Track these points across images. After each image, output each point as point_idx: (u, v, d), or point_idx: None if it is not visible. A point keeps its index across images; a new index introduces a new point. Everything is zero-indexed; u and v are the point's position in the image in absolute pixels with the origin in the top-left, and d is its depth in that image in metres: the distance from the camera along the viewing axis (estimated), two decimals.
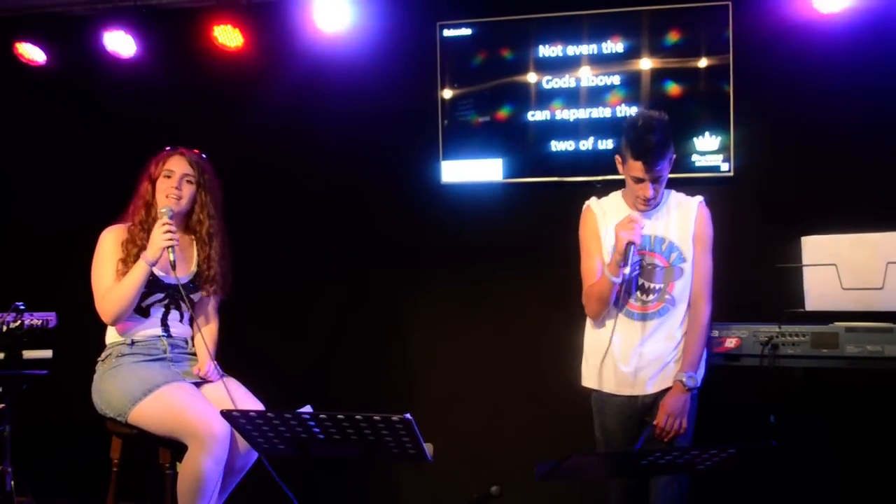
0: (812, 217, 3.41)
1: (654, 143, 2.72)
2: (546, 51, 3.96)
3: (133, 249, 2.91)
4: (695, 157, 3.78)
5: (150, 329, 2.99)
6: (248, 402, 2.89)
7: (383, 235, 4.19)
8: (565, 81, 3.95)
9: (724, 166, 3.76)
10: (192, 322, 3.09)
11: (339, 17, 4.03)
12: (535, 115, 3.98)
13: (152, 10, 4.31)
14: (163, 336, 3.00)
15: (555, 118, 3.96)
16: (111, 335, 3.01)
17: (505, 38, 4.01)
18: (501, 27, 4.02)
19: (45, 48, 4.39)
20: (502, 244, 4.01)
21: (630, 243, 2.72)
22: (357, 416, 2.05)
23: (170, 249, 2.83)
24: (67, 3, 4.41)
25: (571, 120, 3.95)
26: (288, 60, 4.20)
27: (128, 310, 2.90)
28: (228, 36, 4.15)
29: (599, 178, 3.80)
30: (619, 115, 3.87)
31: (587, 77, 3.93)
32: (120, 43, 4.26)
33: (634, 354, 2.85)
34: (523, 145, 4.00)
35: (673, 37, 3.83)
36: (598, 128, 3.90)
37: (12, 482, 3.50)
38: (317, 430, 2.12)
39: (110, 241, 2.96)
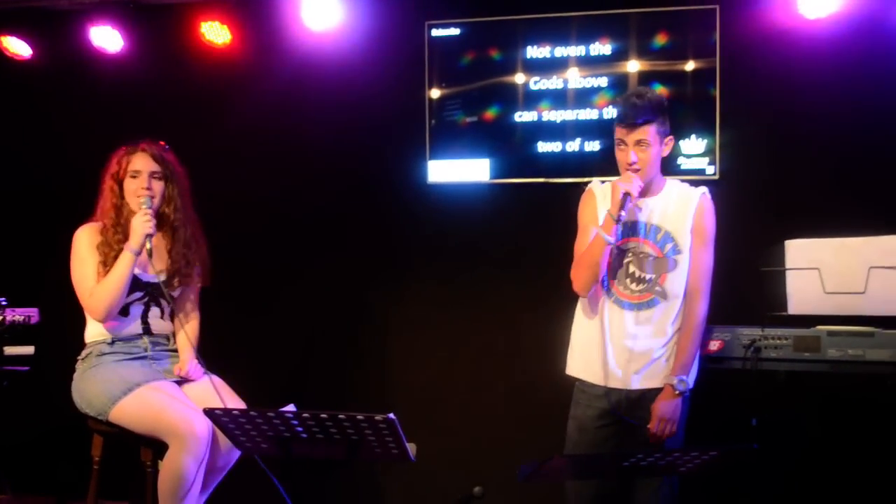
0: (796, 221, 3.43)
1: (635, 104, 2.70)
2: (534, 52, 3.97)
3: (110, 253, 2.88)
4: (680, 160, 3.80)
5: (130, 327, 2.97)
6: (231, 400, 2.87)
7: (369, 234, 4.18)
8: (553, 83, 3.96)
9: (710, 169, 3.78)
10: (173, 317, 3.07)
11: (327, 15, 4.02)
12: (523, 116, 3.99)
13: (139, 6, 4.28)
14: (143, 334, 2.98)
15: (542, 119, 3.97)
16: (91, 333, 2.99)
17: (493, 38, 4.01)
18: (490, 27, 4.03)
19: (31, 42, 4.36)
20: (488, 244, 4.01)
21: (627, 194, 2.66)
22: (340, 416, 2.05)
23: (147, 238, 2.81)
24: None
25: (558, 121, 3.95)
26: (275, 58, 4.19)
27: (118, 303, 2.87)
28: (216, 32, 4.14)
29: (586, 179, 3.75)
30: (606, 116, 3.88)
31: (575, 78, 3.94)
32: (106, 38, 4.24)
33: (621, 346, 2.79)
34: (510, 146, 4.00)
35: (660, 39, 3.84)
36: (585, 129, 3.91)
37: None
38: (300, 429, 2.12)
39: (86, 240, 2.94)
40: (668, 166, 3.73)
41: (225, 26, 4.14)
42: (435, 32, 4.05)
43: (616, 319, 2.80)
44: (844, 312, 2.96)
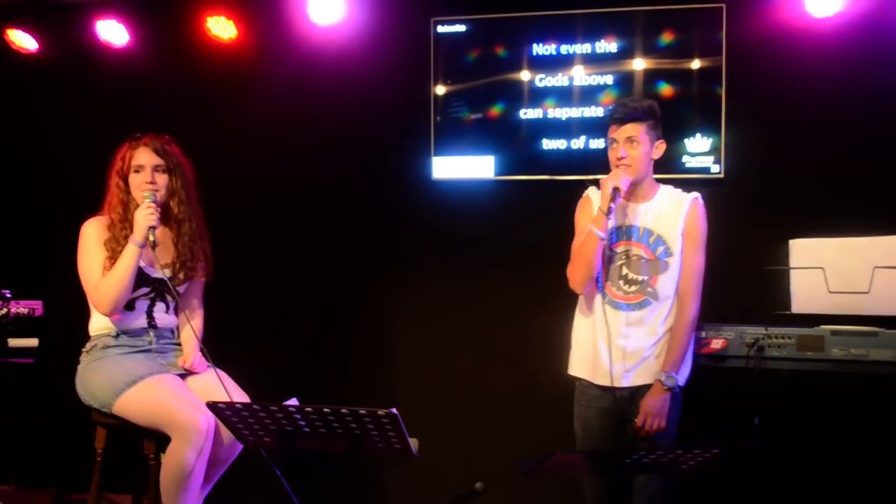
0: (800, 220, 3.43)
1: (626, 104, 2.85)
2: (540, 49, 3.96)
3: (118, 248, 2.88)
4: (685, 159, 3.79)
5: (135, 321, 2.97)
6: (234, 393, 2.88)
7: (373, 229, 4.18)
8: (558, 80, 3.96)
9: (715, 168, 3.77)
10: (178, 312, 3.07)
11: (332, 10, 4.03)
12: (528, 113, 3.99)
13: None
14: (148, 328, 2.99)
15: (547, 116, 3.97)
16: (96, 326, 2.99)
17: (499, 35, 4.01)
18: (496, 24, 4.02)
19: (37, 36, 4.37)
20: (492, 241, 4.01)
21: (615, 188, 2.75)
22: (343, 410, 2.05)
23: (151, 230, 2.81)
24: None
25: (564, 119, 3.95)
26: (280, 53, 4.19)
27: (124, 297, 2.87)
28: (221, 27, 4.14)
29: (590, 176, 3.77)
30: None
31: (580, 76, 3.94)
32: (112, 32, 4.24)
33: (614, 345, 2.85)
34: (515, 143, 4.00)
35: (666, 38, 3.84)
36: (590, 127, 3.90)
37: None
38: (302, 422, 2.12)
39: (93, 234, 2.93)
40: (674, 165, 3.76)
41: (231, 21, 4.14)
42: (441, 29, 4.05)
43: (610, 319, 2.86)
44: (848, 312, 2.96)
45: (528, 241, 3.92)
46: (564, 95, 3.95)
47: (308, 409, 2.08)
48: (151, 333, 2.99)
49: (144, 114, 4.12)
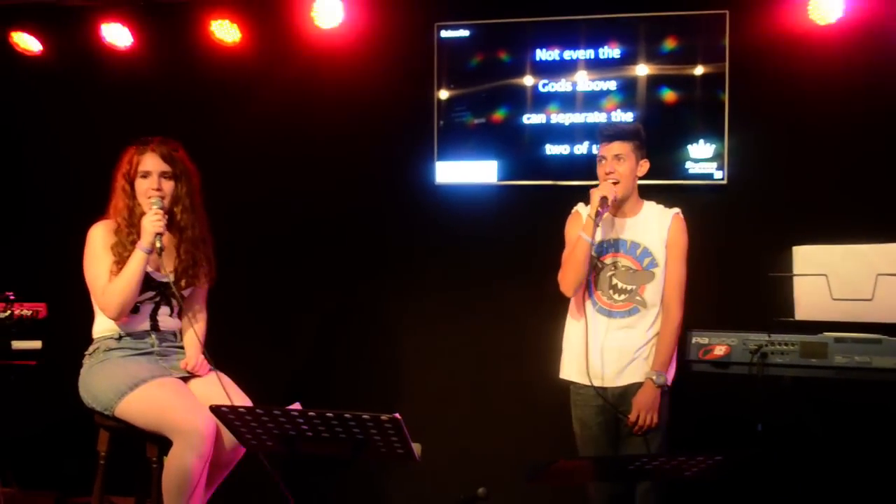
0: (804, 227, 3.43)
1: (614, 124, 3.17)
2: (543, 54, 3.97)
3: (124, 252, 2.88)
4: (689, 165, 3.80)
5: (138, 324, 2.97)
6: (237, 397, 2.88)
7: (376, 234, 4.19)
8: (561, 85, 3.96)
9: (718, 174, 3.77)
10: (181, 316, 3.08)
11: (336, 15, 4.04)
12: (531, 119, 3.99)
13: (149, 3, 4.30)
14: (151, 331, 2.99)
15: (550, 122, 3.97)
16: (99, 328, 2.99)
17: (502, 40, 4.02)
18: (499, 29, 4.03)
19: (41, 38, 4.38)
20: (495, 246, 4.01)
21: (604, 197, 2.94)
22: (346, 415, 2.05)
23: (158, 237, 2.82)
24: None
25: (567, 124, 3.96)
26: (284, 56, 4.20)
27: (131, 301, 2.87)
28: (226, 31, 4.15)
29: (593, 182, 3.77)
30: (614, 120, 3.88)
31: (583, 81, 3.94)
32: (116, 34, 4.25)
33: (605, 349, 3.02)
34: (518, 148, 4.00)
35: (670, 44, 3.84)
36: (594, 132, 3.87)
37: None
38: (305, 427, 2.12)
39: (100, 238, 2.93)
40: (677, 171, 3.77)
41: (234, 24, 4.15)
42: (444, 34, 4.05)
43: (601, 325, 3.04)
44: (851, 319, 2.96)
45: (530, 246, 3.92)
46: (567, 101, 3.96)
47: (311, 413, 2.08)
48: (154, 336, 2.99)
49: (148, 117, 4.14)
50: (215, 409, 2.18)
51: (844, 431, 3.46)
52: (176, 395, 2.82)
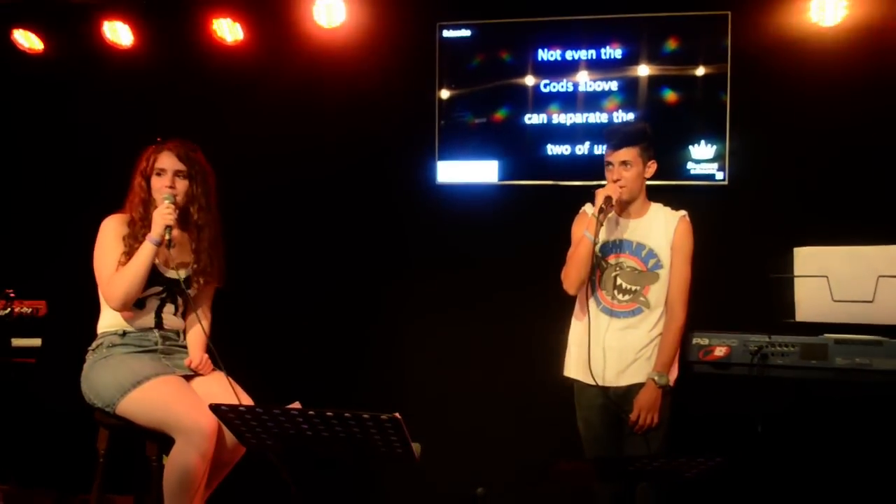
0: (805, 228, 3.43)
1: (620, 130, 3.13)
2: (545, 54, 3.97)
3: (135, 245, 2.91)
4: (690, 165, 3.79)
5: (143, 320, 2.98)
6: (239, 396, 2.88)
7: (377, 233, 4.18)
8: (563, 85, 3.96)
9: (719, 175, 3.77)
10: (185, 315, 3.09)
11: (337, 14, 4.03)
12: (532, 119, 3.99)
13: (151, 1, 4.30)
14: (155, 328, 3.00)
15: (551, 122, 3.97)
16: (103, 324, 3.00)
17: (504, 40, 4.01)
18: (501, 29, 4.03)
19: (43, 36, 4.37)
20: (496, 245, 4.01)
21: (608, 198, 2.95)
22: (346, 414, 2.05)
23: (167, 230, 2.84)
24: None
25: (568, 124, 3.95)
26: (286, 56, 4.19)
27: (136, 292, 2.89)
28: (227, 29, 4.15)
29: (594, 182, 3.78)
30: (615, 120, 3.88)
31: (585, 82, 3.94)
32: (118, 33, 4.25)
33: (607, 348, 3.04)
34: (519, 148, 4.00)
35: (671, 44, 3.84)
36: (595, 133, 3.91)
37: None
38: (305, 426, 2.12)
39: (113, 229, 2.96)
40: (678, 172, 3.76)
41: (236, 23, 4.15)
42: (446, 33, 4.05)
43: (604, 325, 3.06)
44: (852, 321, 2.96)
45: (531, 245, 3.92)
46: (569, 101, 3.95)
47: (311, 412, 2.08)
48: (157, 333, 2.99)
49: (149, 115, 4.14)
50: (216, 408, 2.18)
51: (844, 433, 3.46)
52: (178, 393, 2.82)
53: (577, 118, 3.94)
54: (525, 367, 3.90)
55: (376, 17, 4.09)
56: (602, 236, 3.03)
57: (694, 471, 2.22)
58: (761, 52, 3.72)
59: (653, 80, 3.86)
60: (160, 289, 2.98)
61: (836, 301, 2.96)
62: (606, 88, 3.92)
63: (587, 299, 3.07)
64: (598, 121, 3.91)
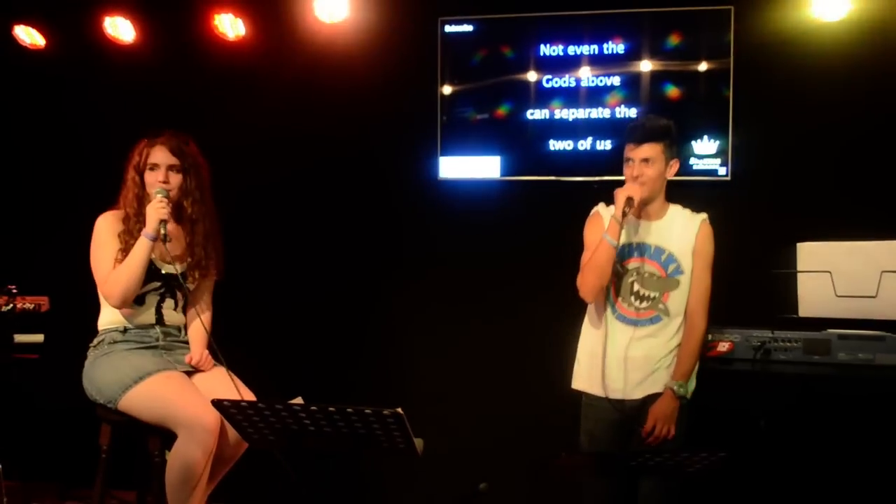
0: (808, 223, 3.42)
1: (644, 125, 2.90)
2: (547, 50, 3.96)
3: (131, 241, 2.90)
4: (692, 161, 3.79)
5: (143, 316, 2.98)
6: (241, 391, 2.88)
7: (379, 228, 4.18)
8: (565, 81, 3.95)
9: (722, 170, 3.76)
10: (186, 310, 3.08)
11: (339, 9, 4.03)
12: (535, 114, 3.98)
13: None
14: (156, 324, 2.99)
15: (554, 117, 3.96)
16: (104, 321, 3.00)
17: (506, 35, 4.01)
18: (503, 25, 4.02)
19: (45, 32, 4.37)
20: (498, 241, 4.01)
21: (629, 198, 2.79)
22: (348, 409, 2.05)
23: (162, 224, 2.83)
24: None
25: (570, 120, 3.95)
26: (287, 51, 4.19)
27: (134, 289, 2.88)
28: (229, 25, 4.14)
29: (597, 178, 3.80)
30: (618, 116, 3.87)
31: (587, 77, 3.93)
32: (120, 28, 4.25)
33: (623, 359, 2.88)
34: (522, 143, 4.00)
35: (674, 39, 3.83)
36: (597, 128, 3.90)
37: (0, 466, 3.48)
38: (307, 421, 2.13)
39: (108, 226, 2.95)
40: (681, 167, 3.68)
41: (238, 19, 4.14)
42: (448, 28, 4.04)
43: (620, 335, 2.90)
44: (855, 316, 2.96)
45: (534, 241, 3.92)
46: (571, 96, 3.95)
47: (313, 408, 2.08)
48: (159, 329, 2.99)
49: (151, 111, 4.13)
50: (218, 404, 2.19)
51: (847, 428, 3.45)
52: (180, 389, 2.82)
53: (580, 113, 3.94)
54: (528, 361, 3.90)
55: (378, 12, 4.08)
56: (621, 239, 2.86)
57: (696, 466, 2.22)
58: (764, 47, 3.71)
59: (655, 76, 3.85)
60: (158, 284, 2.98)
61: (839, 296, 2.96)
62: (609, 84, 3.91)
63: (601, 307, 2.94)
64: (601, 116, 3.90)
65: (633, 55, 3.88)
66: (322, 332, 4.22)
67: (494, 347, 4.00)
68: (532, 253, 3.93)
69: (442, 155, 4.06)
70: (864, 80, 3.61)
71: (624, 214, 2.79)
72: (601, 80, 3.92)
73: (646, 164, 2.85)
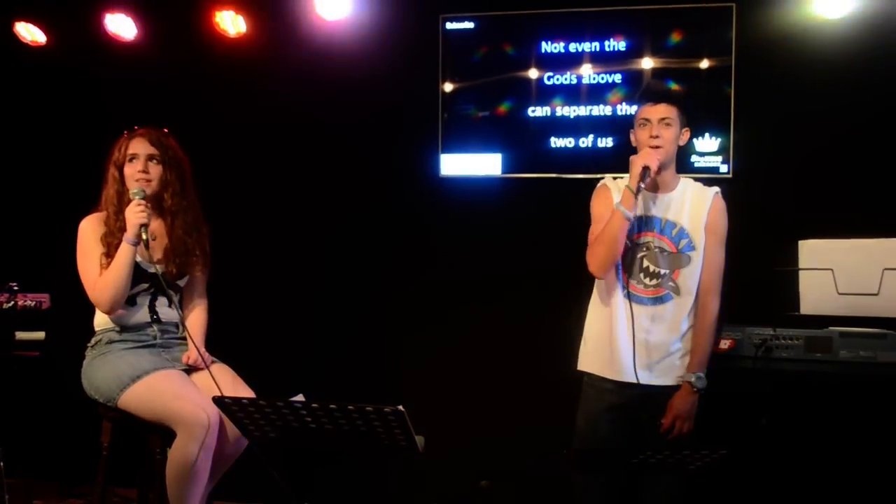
0: (809, 221, 3.41)
1: (661, 86, 2.90)
2: (548, 47, 3.96)
3: (114, 242, 2.87)
4: (694, 158, 3.78)
5: (137, 316, 2.96)
6: (239, 389, 2.87)
7: (380, 225, 4.18)
8: (567, 78, 3.95)
9: (723, 168, 3.76)
10: (181, 306, 3.07)
11: (340, 6, 4.03)
12: (536, 111, 3.98)
13: None
14: (152, 323, 2.99)
15: (555, 115, 3.96)
16: (100, 321, 2.99)
17: (507, 32, 4.00)
18: (504, 22, 4.01)
19: (46, 28, 4.37)
20: (499, 238, 4.00)
21: (646, 167, 2.66)
22: (349, 407, 2.04)
23: (143, 228, 2.80)
24: None
25: (572, 117, 3.94)
26: (288, 48, 4.18)
27: (122, 295, 2.87)
28: (230, 21, 4.14)
29: (598, 175, 3.76)
30: (619, 113, 3.87)
31: (588, 74, 3.93)
32: (121, 25, 4.24)
33: (635, 339, 2.74)
34: (523, 141, 3.99)
35: (675, 37, 3.83)
36: (599, 125, 3.90)
37: (2, 463, 3.49)
38: (308, 419, 2.12)
39: (90, 232, 2.93)
40: (682, 164, 3.72)
41: (239, 16, 4.14)
42: (449, 25, 4.04)
43: (629, 314, 2.76)
44: (857, 314, 2.96)
45: (535, 239, 3.92)
46: (573, 94, 3.94)
47: (314, 405, 2.08)
48: (156, 328, 2.99)
49: (152, 107, 4.12)
50: (218, 401, 2.18)
51: (849, 426, 3.45)
52: (179, 387, 2.82)
53: (581, 111, 3.93)
54: (529, 358, 3.90)
55: (379, 9, 4.08)
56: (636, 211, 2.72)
57: (698, 463, 2.21)
58: (766, 44, 3.70)
59: (657, 73, 3.84)
60: (146, 285, 2.96)
61: (840, 294, 2.95)
62: (610, 81, 3.90)
63: (610, 284, 2.80)
64: (602, 113, 3.90)
65: (634, 52, 3.87)
66: (322, 329, 4.22)
67: (496, 345, 4.00)
68: (533, 250, 3.92)
69: (443, 152, 4.06)
70: (866, 77, 3.61)
71: (640, 185, 2.66)
72: (603, 78, 3.91)
73: (664, 123, 2.74)
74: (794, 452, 3.32)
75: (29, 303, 3.60)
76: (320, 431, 2.15)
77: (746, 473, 3.21)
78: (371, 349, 4.17)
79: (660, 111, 2.74)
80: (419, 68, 4.07)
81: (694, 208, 2.81)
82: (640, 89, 3.78)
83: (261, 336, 4.12)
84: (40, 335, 3.67)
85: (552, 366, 3.26)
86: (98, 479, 2.97)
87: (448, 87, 4.05)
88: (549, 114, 3.97)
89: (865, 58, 3.60)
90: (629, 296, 2.78)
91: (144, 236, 2.80)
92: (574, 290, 3.01)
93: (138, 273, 2.90)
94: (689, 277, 2.79)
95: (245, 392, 2.88)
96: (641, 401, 2.79)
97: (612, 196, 2.84)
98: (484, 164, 4.03)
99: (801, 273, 3.04)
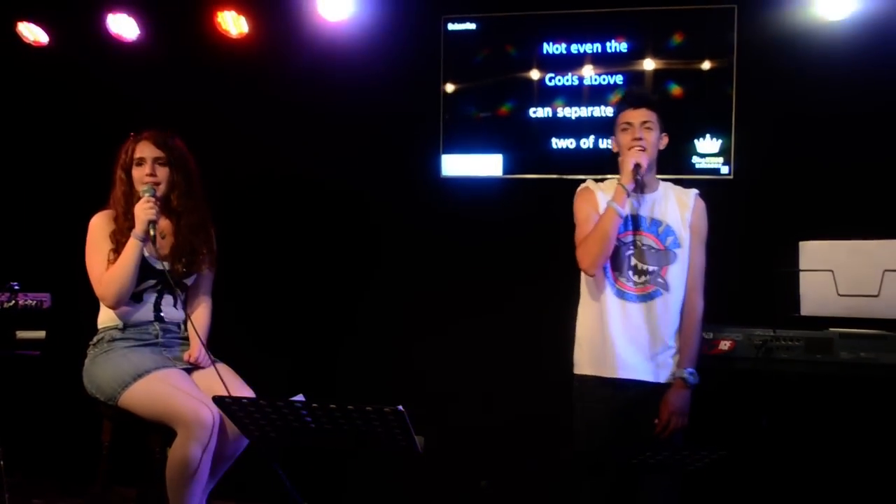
0: (810, 222, 3.42)
1: (641, 91, 3.03)
2: (550, 48, 3.96)
3: (122, 240, 2.90)
4: (695, 159, 3.78)
5: (141, 313, 2.98)
6: (239, 389, 2.88)
7: (381, 226, 4.18)
8: (568, 79, 3.95)
9: (724, 169, 3.76)
10: (186, 306, 3.08)
11: (342, 7, 4.03)
12: (537, 112, 3.98)
13: None
14: (155, 321, 3.00)
15: (556, 115, 3.96)
16: (103, 319, 3.00)
17: (509, 33, 4.00)
18: (506, 23, 4.02)
19: (48, 29, 4.37)
20: (500, 239, 4.00)
21: (637, 164, 2.76)
22: (349, 407, 2.05)
23: (151, 224, 2.83)
24: None
25: (573, 118, 3.94)
26: (290, 49, 4.19)
27: (128, 290, 2.89)
28: (232, 22, 4.14)
29: (599, 176, 3.78)
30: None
31: (590, 75, 3.93)
32: (123, 25, 4.25)
33: (626, 337, 2.81)
34: (524, 142, 3.99)
35: (677, 38, 3.83)
36: (600, 126, 3.90)
37: (2, 462, 3.50)
38: (308, 419, 2.12)
39: (100, 227, 2.96)
40: (683, 166, 3.75)
41: (241, 16, 4.14)
42: (451, 26, 4.04)
43: (620, 311, 2.83)
44: (857, 315, 2.95)
45: (536, 239, 3.91)
46: (574, 95, 3.95)
47: (314, 405, 2.08)
48: (157, 326, 2.99)
49: (154, 108, 4.13)
50: (219, 400, 2.19)
51: (849, 427, 3.45)
52: (179, 386, 2.82)
53: (583, 112, 3.93)
54: (530, 359, 3.90)
55: (381, 10, 4.08)
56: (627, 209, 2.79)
57: (698, 464, 2.21)
58: (767, 45, 3.70)
59: (658, 74, 3.85)
60: (154, 281, 2.98)
61: (841, 295, 2.95)
62: (612, 82, 3.90)
63: (599, 283, 2.85)
64: (604, 115, 3.90)
65: (636, 54, 3.87)
66: (323, 329, 4.22)
67: (496, 345, 4.00)
68: (534, 250, 3.92)
69: (444, 153, 4.06)
70: (868, 78, 3.60)
71: (634, 182, 2.75)
72: (604, 79, 3.91)
73: (646, 126, 2.83)
74: (795, 454, 3.32)
75: (30, 302, 3.61)
76: (320, 431, 2.15)
77: (747, 474, 3.21)
78: (371, 349, 4.17)
79: (641, 115, 2.83)
80: (421, 69, 4.07)
81: (676, 207, 2.90)
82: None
83: (261, 336, 4.12)
84: (41, 334, 3.68)
85: (553, 366, 3.25)
86: (99, 478, 2.98)
87: (450, 87, 4.06)
88: (550, 115, 3.97)
89: (867, 59, 3.59)
90: (619, 293, 2.84)
91: (153, 232, 2.84)
92: (574, 291, 3.01)
93: (146, 269, 2.92)
94: (677, 274, 2.86)
95: (245, 392, 2.89)
96: (636, 398, 2.81)
97: (596, 197, 2.91)
98: (485, 165, 4.03)
99: (801, 274, 3.04)
